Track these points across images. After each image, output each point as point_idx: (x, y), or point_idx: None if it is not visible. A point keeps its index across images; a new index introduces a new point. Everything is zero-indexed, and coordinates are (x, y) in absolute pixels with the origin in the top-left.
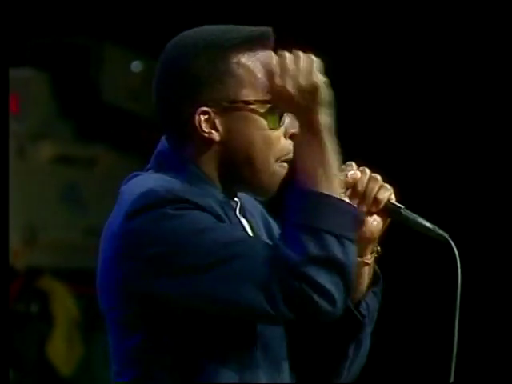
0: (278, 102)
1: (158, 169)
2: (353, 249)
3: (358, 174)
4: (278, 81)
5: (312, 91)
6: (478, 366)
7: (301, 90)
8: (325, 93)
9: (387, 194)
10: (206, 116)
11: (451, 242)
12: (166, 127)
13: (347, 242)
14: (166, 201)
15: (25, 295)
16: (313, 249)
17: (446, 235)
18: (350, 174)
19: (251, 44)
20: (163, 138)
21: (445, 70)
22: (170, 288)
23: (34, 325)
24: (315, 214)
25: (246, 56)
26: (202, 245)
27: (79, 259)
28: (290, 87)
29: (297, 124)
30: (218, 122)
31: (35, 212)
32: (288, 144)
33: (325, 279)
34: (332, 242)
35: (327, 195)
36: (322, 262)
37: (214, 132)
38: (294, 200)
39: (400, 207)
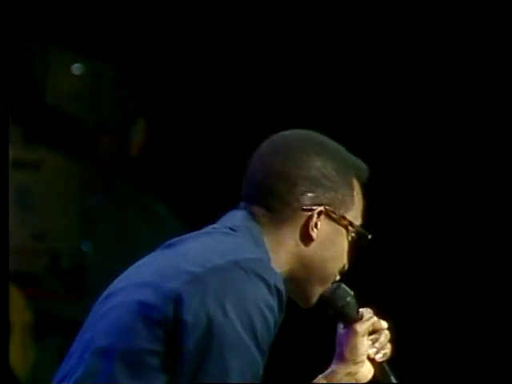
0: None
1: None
2: None
3: (380, 324)
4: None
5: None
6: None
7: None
8: None
9: (389, 352)
10: (317, 216)
11: None
12: (272, 207)
13: None
14: (272, 292)
15: None
16: None
17: None
18: (371, 321)
19: (362, 174)
20: (245, 206)
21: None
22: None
23: None
24: None
25: (358, 184)
26: (246, 359)
27: (27, 263)
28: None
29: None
30: (320, 224)
31: None
32: None
33: None
34: None
35: None
36: None
37: (315, 231)
38: None
39: (391, 373)
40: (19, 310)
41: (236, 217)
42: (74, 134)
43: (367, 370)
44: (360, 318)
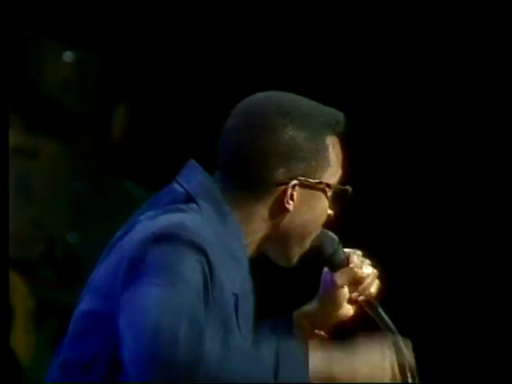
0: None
1: (209, 211)
2: None
3: (362, 272)
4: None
5: None
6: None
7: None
8: None
9: (377, 289)
10: (292, 189)
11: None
12: (245, 183)
13: None
14: (192, 247)
15: None
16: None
17: (398, 339)
18: (351, 273)
19: (338, 127)
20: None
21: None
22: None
23: None
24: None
25: (334, 139)
26: (172, 291)
27: (24, 250)
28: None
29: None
30: (296, 193)
31: None
32: None
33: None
34: None
35: None
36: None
37: (291, 203)
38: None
39: (378, 304)
40: (22, 296)
41: (206, 188)
42: (67, 122)
43: (346, 309)
44: (347, 264)
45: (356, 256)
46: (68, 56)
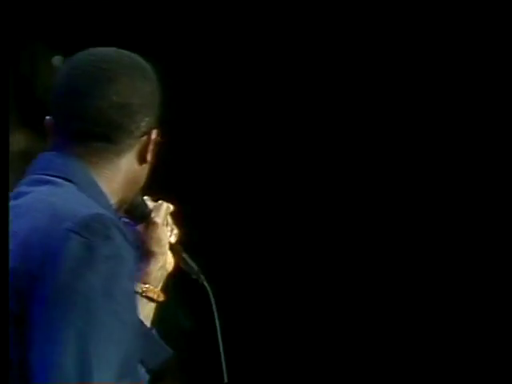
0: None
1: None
2: None
3: (171, 207)
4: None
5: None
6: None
7: None
8: None
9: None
10: (153, 137)
11: (207, 285)
12: (113, 138)
13: None
14: (120, 245)
15: None
16: None
17: (203, 279)
18: (163, 209)
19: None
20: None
21: None
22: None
23: None
24: None
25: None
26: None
27: None
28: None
29: None
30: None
31: None
32: None
33: None
34: None
35: None
36: None
37: (150, 153)
38: None
39: (182, 250)
40: None
41: (69, 164)
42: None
43: (170, 257)
44: (151, 210)
45: (149, 201)
46: (57, 60)
